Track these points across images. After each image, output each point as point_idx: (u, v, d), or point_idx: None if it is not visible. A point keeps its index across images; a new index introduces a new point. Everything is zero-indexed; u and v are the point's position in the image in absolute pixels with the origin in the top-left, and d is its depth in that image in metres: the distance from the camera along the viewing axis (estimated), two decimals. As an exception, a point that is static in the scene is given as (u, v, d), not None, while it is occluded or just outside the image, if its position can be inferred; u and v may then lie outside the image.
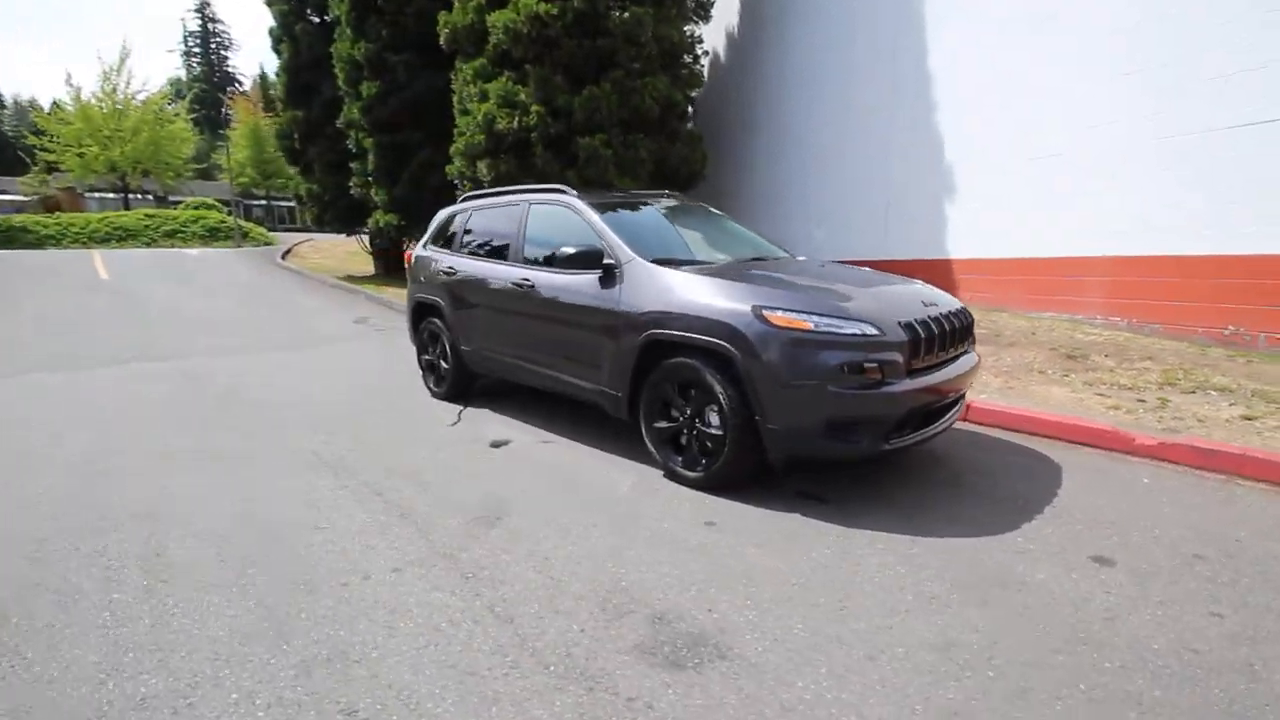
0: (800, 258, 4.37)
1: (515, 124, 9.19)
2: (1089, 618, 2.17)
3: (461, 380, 5.05)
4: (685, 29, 10.00)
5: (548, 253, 4.15)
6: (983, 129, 7.42)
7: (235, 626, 2.17)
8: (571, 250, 3.69)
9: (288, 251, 21.78)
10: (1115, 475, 3.44)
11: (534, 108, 9.13)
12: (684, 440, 3.37)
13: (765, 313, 2.97)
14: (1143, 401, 4.51)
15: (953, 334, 3.24)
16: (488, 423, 4.59)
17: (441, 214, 5.54)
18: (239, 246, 24.32)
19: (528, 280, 4.21)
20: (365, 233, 15.11)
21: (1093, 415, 4.15)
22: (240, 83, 61.53)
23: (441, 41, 10.46)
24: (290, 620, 2.19)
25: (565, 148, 9.63)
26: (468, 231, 5.04)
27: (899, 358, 2.92)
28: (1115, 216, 6.15)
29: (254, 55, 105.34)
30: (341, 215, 15.15)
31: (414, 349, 5.50)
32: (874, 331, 2.90)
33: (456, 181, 10.73)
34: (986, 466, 3.56)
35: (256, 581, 2.45)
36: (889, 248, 8.64)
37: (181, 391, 5.49)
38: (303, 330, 9.20)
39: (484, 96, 9.67)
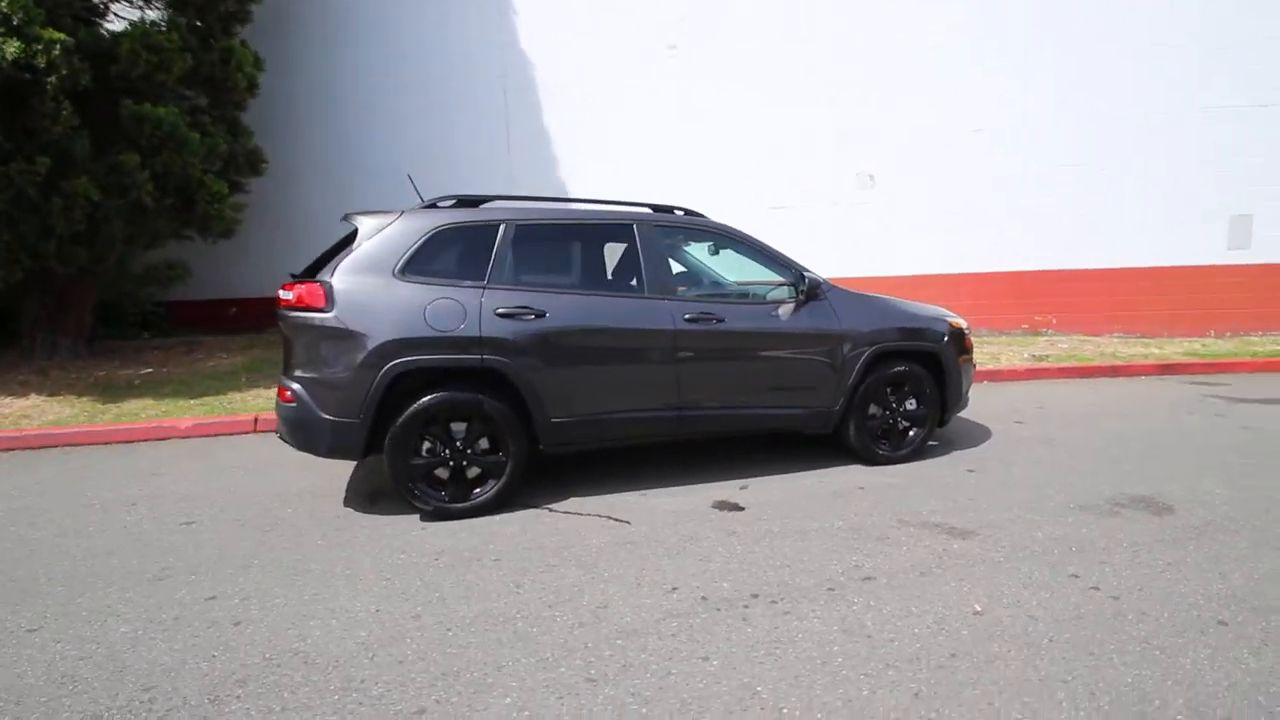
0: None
1: (4, 56, 4.73)
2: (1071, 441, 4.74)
3: (522, 471, 3.38)
4: None
5: (708, 281, 3.67)
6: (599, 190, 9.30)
7: None
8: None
9: None
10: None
11: (47, 34, 5.03)
12: (886, 431, 4.12)
13: (949, 320, 4.22)
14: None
15: None
16: (648, 509, 3.49)
17: (405, 225, 3.30)
18: None
19: (709, 314, 3.59)
20: None
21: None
22: None
23: None
24: None
25: (107, 113, 5.62)
26: (519, 254, 3.35)
27: (964, 340, 4.78)
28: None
29: None
30: None
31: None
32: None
33: None
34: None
35: None
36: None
37: None
38: None
39: None
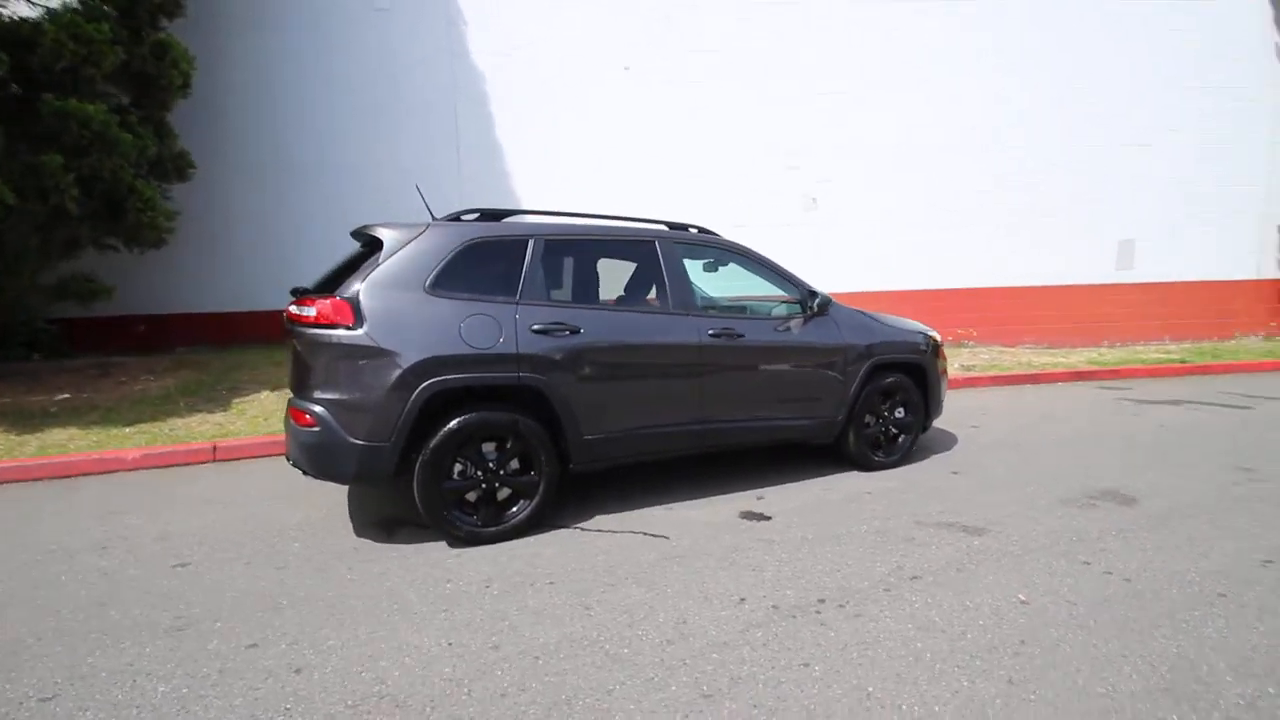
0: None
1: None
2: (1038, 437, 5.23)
3: (554, 491, 3.30)
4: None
5: (722, 299, 3.78)
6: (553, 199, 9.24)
7: None
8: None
9: None
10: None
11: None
12: (880, 438, 4.37)
13: (928, 333, 4.54)
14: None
15: None
16: (679, 522, 3.52)
17: (433, 239, 3.17)
18: None
19: (730, 330, 3.67)
20: None
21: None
22: None
23: None
24: None
25: (21, 109, 4.94)
26: (547, 270, 3.29)
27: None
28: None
29: None
30: None
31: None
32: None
33: None
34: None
35: None
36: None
37: None
38: None
39: None
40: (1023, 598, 2.66)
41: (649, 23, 9.16)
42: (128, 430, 5.02)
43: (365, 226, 3.30)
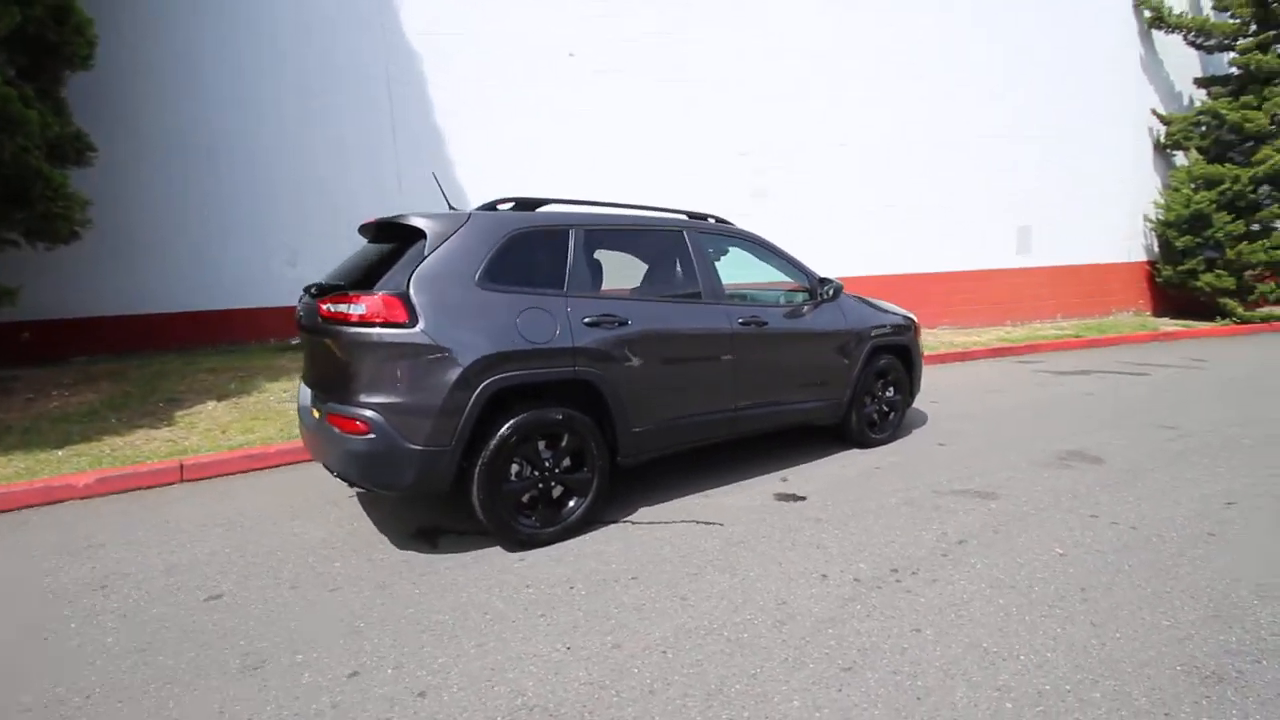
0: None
1: None
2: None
3: (606, 485, 3.25)
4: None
5: (743, 287, 3.85)
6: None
7: None
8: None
9: None
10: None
11: None
12: (875, 416, 4.65)
13: (909, 316, 4.86)
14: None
15: None
16: (723, 509, 3.57)
17: (477, 230, 3.01)
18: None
19: (757, 318, 3.75)
20: None
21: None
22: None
23: None
24: None
25: None
26: (588, 260, 3.20)
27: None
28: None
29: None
30: None
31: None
32: (913, 318, 5.34)
33: None
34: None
35: None
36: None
37: None
38: None
39: None
40: (1060, 551, 2.96)
41: (643, 15, 9.07)
42: (60, 454, 4.35)
43: (396, 217, 3.07)
